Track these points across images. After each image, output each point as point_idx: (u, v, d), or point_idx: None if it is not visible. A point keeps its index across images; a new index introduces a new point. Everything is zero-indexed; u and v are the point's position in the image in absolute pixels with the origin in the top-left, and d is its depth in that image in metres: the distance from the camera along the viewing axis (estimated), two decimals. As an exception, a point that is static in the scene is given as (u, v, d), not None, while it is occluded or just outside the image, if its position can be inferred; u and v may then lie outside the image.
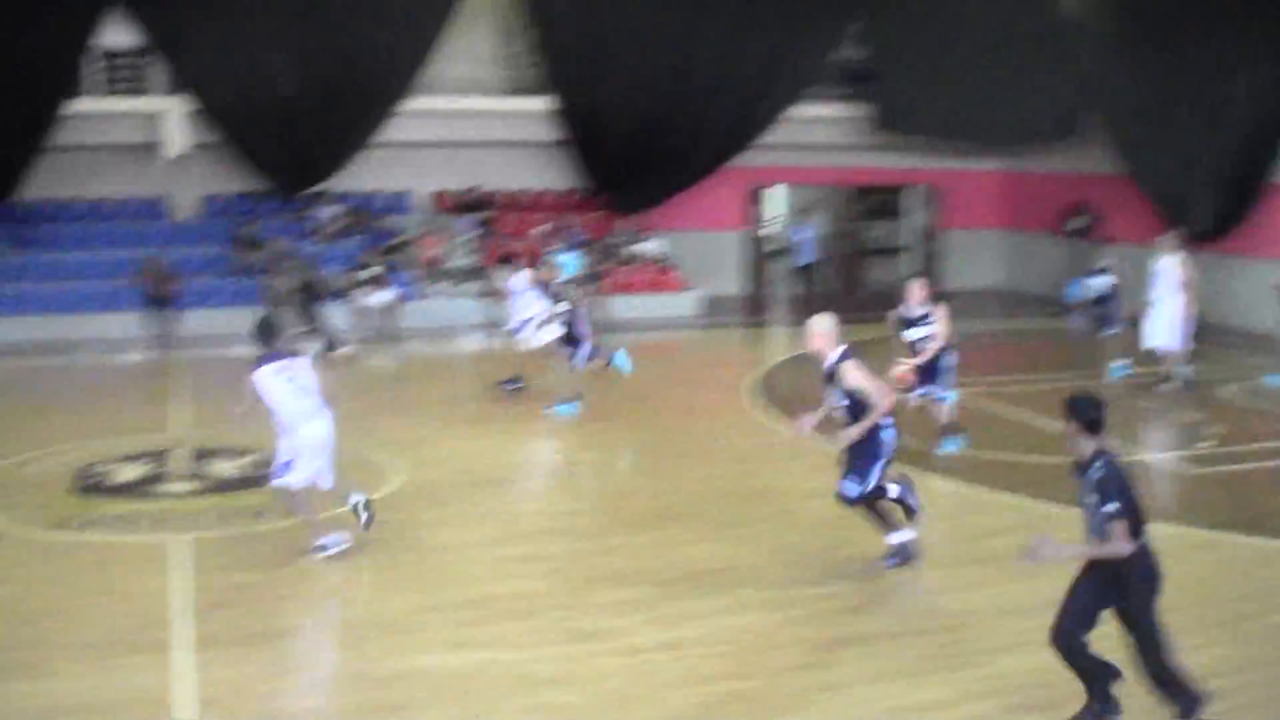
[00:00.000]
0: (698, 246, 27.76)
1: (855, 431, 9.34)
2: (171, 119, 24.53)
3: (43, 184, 24.40)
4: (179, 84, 24.43)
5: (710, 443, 14.74)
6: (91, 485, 12.48)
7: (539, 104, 26.22)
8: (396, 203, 27.15)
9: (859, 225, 31.27)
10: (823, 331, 9.49)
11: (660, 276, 26.55)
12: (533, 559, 10.13)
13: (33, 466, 13.32)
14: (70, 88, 23.81)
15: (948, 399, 13.65)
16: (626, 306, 24.58)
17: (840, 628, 8.65)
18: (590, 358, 16.28)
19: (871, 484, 9.49)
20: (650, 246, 27.06)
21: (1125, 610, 6.80)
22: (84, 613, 8.96)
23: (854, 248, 31.07)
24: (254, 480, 12.38)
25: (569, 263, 21.42)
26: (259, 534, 10.90)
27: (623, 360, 16.59)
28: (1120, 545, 6.62)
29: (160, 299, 22.34)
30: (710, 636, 8.44)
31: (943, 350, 13.40)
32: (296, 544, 10.30)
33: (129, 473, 12.92)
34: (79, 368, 20.75)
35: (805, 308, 20.61)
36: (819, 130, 27.83)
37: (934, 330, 13.33)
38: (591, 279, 22.76)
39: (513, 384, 17.32)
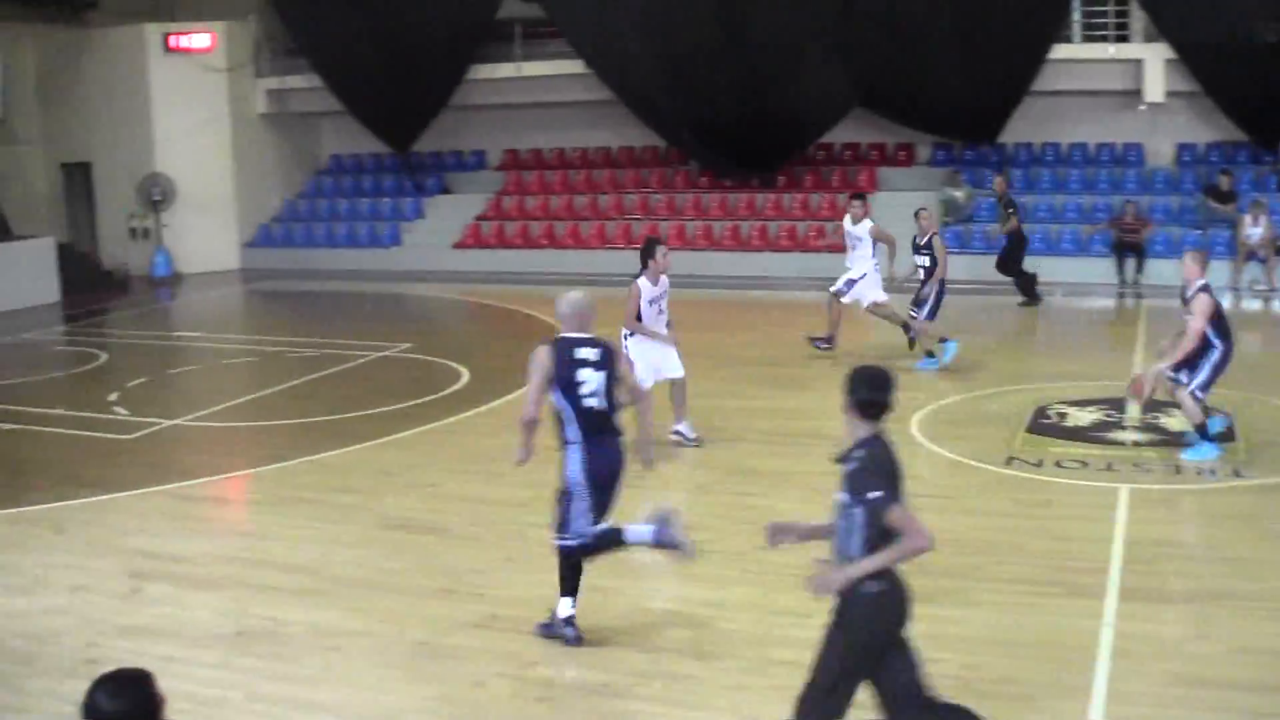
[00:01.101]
0: None
1: None
2: (1150, 66, 24.86)
3: (1021, 127, 26.03)
4: (1159, 31, 24.66)
5: None
6: (1047, 425, 13.06)
7: None
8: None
9: None
10: None
11: None
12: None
13: (995, 402, 14.25)
14: (1057, 34, 25.02)
15: None
16: None
17: None
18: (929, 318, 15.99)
19: None
20: None
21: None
22: (1022, 549, 9.25)
23: None
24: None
25: None
26: (1201, 492, 10.92)
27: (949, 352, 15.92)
28: (916, 537, 5.22)
29: (1129, 246, 22.99)
30: None
31: None
32: (1232, 506, 10.37)
33: (1083, 417, 13.25)
34: (1049, 309, 21.71)
35: None
36: None
37: None
38: None
39: (823, 343, 16.56)
